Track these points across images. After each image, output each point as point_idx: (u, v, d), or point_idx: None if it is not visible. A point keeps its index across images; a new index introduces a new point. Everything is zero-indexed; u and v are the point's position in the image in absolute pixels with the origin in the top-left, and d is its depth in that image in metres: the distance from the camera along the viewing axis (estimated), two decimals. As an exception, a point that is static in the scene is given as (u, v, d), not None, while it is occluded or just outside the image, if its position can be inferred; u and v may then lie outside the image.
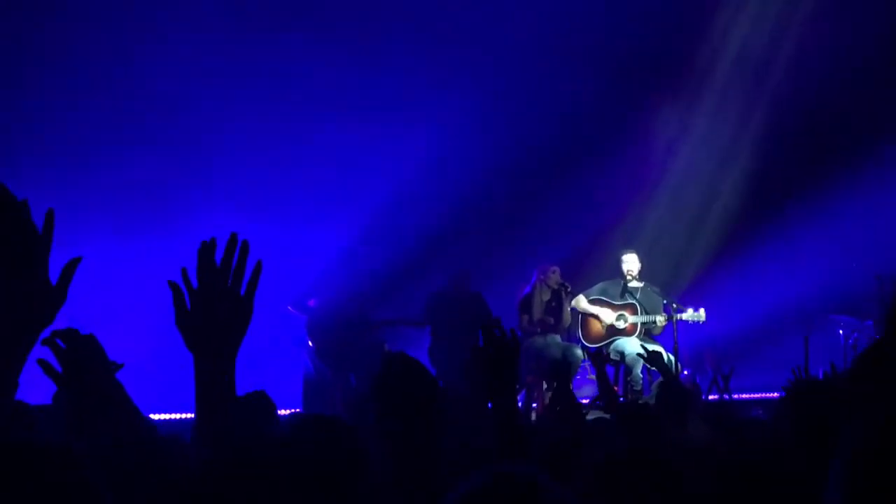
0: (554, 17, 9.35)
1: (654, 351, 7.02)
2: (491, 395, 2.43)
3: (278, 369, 8.18)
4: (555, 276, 8.53)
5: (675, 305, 8.39)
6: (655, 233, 10.28)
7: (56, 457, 1.42)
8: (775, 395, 7.98)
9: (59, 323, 1.94)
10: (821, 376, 5.91)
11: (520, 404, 8.18)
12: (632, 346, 8.36)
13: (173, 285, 1.81)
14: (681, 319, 8.30)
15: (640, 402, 6.20)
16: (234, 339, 1.82)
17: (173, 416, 7.99)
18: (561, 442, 2.95)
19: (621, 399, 7.71)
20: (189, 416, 7.53)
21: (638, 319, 8.52)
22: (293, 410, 7.69)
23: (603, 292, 8.69)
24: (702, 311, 8.26)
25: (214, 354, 1.81)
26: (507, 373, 2.46)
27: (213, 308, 1.80)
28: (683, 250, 10.46)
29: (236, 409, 1.84)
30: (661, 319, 8.43)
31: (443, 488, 1.65)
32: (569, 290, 8.48)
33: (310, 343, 8.34)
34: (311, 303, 8.45)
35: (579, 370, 8.94)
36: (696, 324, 8.30)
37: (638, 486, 1.95)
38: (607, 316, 8.59)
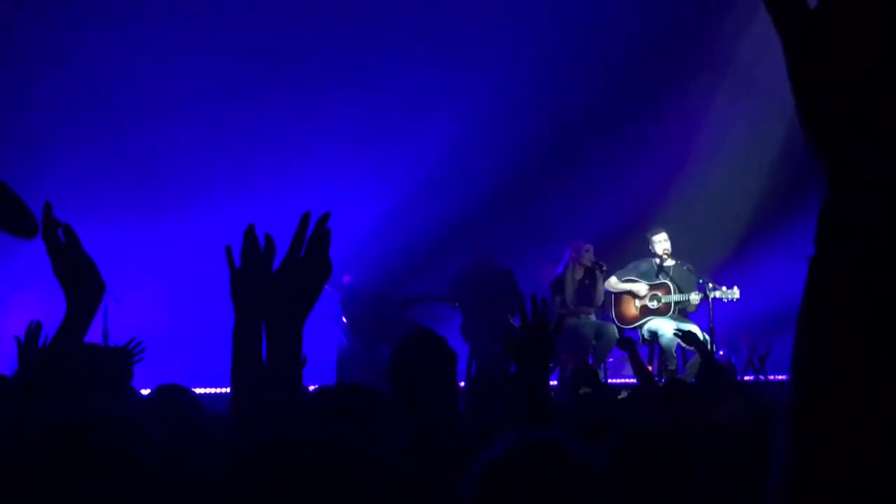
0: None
1: (688, 331, 6.96)
2: (521, 371, 2.46)
3: (312, 344, 8.23)
4: (588, 255, 8.46)
5: (710, 284, 8.31)
6: (689, 209, 10.13)
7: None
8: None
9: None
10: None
11: (554, 382, 8.18)
12: (666, 326, 8.30)
13: (249, 234, 1.82)
14: (715, 297, 8.21)
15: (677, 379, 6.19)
16: (302, 307, 1.83)
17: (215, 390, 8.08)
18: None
19: (656, 379, 7.68)
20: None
21: (672, 298, 8.44)
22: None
23: (636, 272, 8.62)
24: (735, 289, 8.16)
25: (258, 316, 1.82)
26: (540, 351, 2.48)
27: (287, 278, 1.81)
28: (717, 226, 10.30)
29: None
30: (695, 297, 8.35)
31: (462, 457, 1.66)
32: (604, 268, 8.40)
33: (344, 319, 8.42)
34: (346, 279, 8.51)
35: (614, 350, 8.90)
36: (731, 302, 8.21)
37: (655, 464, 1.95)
38: (641, 291, 8.52)
